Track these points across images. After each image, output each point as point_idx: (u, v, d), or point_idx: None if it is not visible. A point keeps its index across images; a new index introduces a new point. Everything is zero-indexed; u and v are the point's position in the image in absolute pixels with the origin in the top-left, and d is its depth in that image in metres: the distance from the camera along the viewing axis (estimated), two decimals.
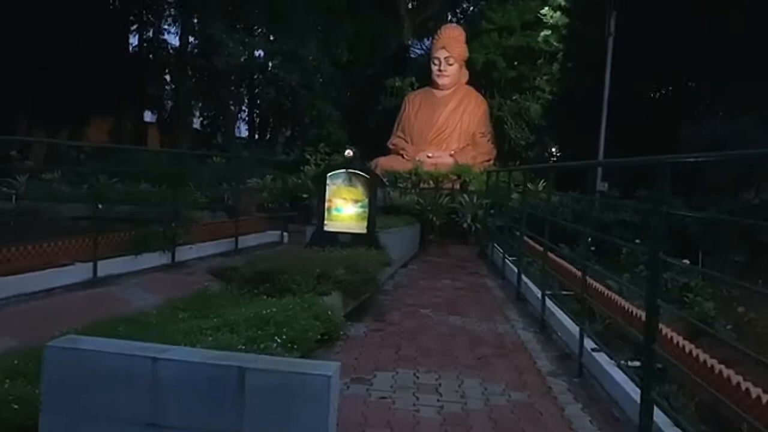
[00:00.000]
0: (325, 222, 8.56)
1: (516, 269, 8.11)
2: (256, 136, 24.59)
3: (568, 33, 13.96)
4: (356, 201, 8.55)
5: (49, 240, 7.03)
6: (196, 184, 13.05)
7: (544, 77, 15.55)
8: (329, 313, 5.12)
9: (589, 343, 4.73)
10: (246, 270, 5.81)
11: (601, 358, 4.50)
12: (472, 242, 11.89)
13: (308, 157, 18.09)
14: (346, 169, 8.56)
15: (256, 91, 22.95)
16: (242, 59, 21.78)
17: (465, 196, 11.94)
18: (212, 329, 4.22)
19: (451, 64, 17.77)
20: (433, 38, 18.49)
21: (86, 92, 18.20)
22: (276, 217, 11.78)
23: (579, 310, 5.85)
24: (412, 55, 24.75)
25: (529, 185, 13.80)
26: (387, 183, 13.88)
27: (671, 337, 4.05)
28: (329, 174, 8.60)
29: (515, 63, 17.86)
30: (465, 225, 11.72)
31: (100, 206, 9.27)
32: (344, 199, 8.57)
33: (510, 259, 9.12)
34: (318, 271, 5.76)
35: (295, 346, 4.21)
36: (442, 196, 12.42)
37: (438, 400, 3.96)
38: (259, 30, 19.69)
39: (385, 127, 18.99)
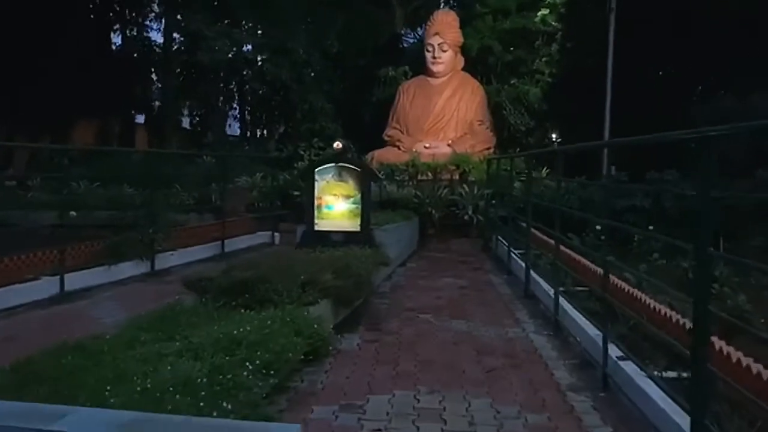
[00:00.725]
0: (316, 221, 7.94)
1: (523, 264, 7.48)
2: (249, 134, 23.94)
3: (566, 11, 13.29)
4: (348, 197, 7.93)
5: (12, 253, 6.41)
6: (182, 186, 12.47)
7: (543, 59, 14.88)
8: (315, 326, 4.51)
9: (614, 350, 4.11)
10: (222, 280, 5.18)
11: (630, 367, 3.87)
12: (474, 235, 11.27)
13: (302, 152, 17.47)
14: (336, 162, 7.94)
15: (246, 87, 22.27)
16: (230, 55, 21.19)
17: (465, 186, 11.31)
18: (174, 354, 3.61)
19: (445, 51, 17.11)
20: (425, 25, 17.80)
21: (70, 94, 17.56)
22: (266, 216, 11.13)
23: (598, 310, 5.25)
24: (405, 45, 24.12)
25: (532, 173, 13.30)
26: (382, 176, 13.23)
27: (720, 349, 3.41)
28: (317, 169, 7.97)
29: (512, 47, 17.19)
30: (466, 217, 11.09)
31: (73, 214, 8.67)
32: (335, 195, 7.95)
33: (516, 252, 8.50)
34: (303, 277, 5.13)
35: (272, 372, 3.59)
36: (440, 188, 11.78)
37: (442, 430, 3.34)
38: (247, 25, 18.97)
39: (380, 119, 18.37)
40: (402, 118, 17.45)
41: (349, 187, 7.90)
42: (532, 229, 7.51)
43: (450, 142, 16.47)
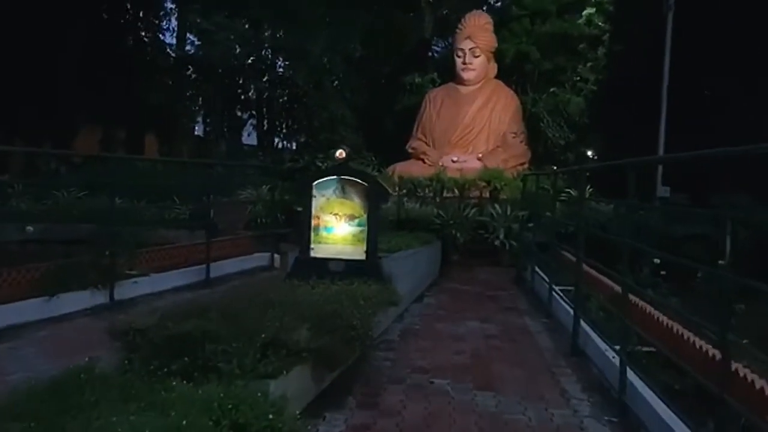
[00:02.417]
0: (312, 246, 6.47)
1: (569, 308, 5.92)
2: (266, 144, 22.61)
3: (616, 10, 11.71)
4: (352, 217, 6.45)
5: None
6: (178, 198, 11.18)
7: (588, 64, 13.28)
8: (271, 416, 3.02)
9: None
10: (156, 334, 3.72)
11: None
12: (506, 263, 9.69)
13: (319, 164, 16.11)
14: (338, 175, 6.47)
15: (265, 95, 21.02)
16: (249, 60, 20.00)
17: (496, 206, 9.74)
18: None
19: (477, 56, 15.66)
20: (456, 28, 16.36)
21: (74, 98, 16.50)
22: (267, 235, 9.70)
23: (686, 390, 3.72)
24: (434, 53, 22.71)
25: (571, 191, 11.69)
26: (401, 192, 11.76)
27: None
28: (315, 182, 6.51)
29: (551, 53, 15.61)
30: (497, 242, 9.52)
31: (30, 229, 7.37)
32: (336, 215, 6.47)
33: (558, 289, 6.92)
34: (265, 336, 3.64)
35: None
36: (468, 206, 10.23)
37: None
38: (266, 27, 17.73)
39: (404, 129, 16.98)
40: (428, 129, 16.01)
41: (354, 205, 6.42)
42: (585, 266, 5.93)
43: (480, 155, 14.99)
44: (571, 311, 5.75)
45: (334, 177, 6.45)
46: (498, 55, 16.07)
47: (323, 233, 6.48)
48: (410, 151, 15.99)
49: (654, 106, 10.92)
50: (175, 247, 8.19)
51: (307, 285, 5.86)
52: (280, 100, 21.83)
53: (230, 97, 19.95)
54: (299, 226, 6.62)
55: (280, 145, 22.62)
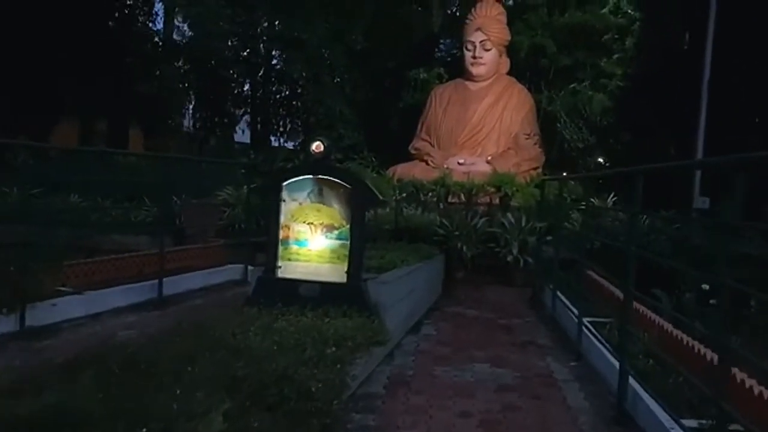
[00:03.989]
0: (279, 263, 5.12)
1: (611, 355, 4.54)
2: (262, 142, 21.25)
3: None
4: (331, 227, 5.10)
5: None
6: (147, 196, 9.86)
7: (615, 56, 11.85)
8: None
9: None
10: None
11: None
12: (520, 282, 8.28)
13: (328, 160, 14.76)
14: (314, 174, 5.12)
15: (260, 92, 19.70)
16: (244, 53, 18.69)
17: (509, 216, 8.35)
18: None
19: (488, 49, 14.27)
20: (465, 18, 14.98)
21: (52, 88, 15.18)
22: (243, 243, 8.32)
23: None
24: (442, 49, 21.31)
25: (593, 200, 10.32)
26: (398, 197, 10.40)
27: None
28: (286, 183, 5.16)
29: (569, 46, 14.23)
30: (509, 258, 8.11)
31: None
32: (311, 224, 5.13)
33: (588, 321, 5.52)
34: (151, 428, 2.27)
35: None
36: (476, 215, 8.83)
37: None
38: (261, 14, 16.39)
39: (408, 128, 15.62)
40: (433, 128, 14.63)
41: (334, 212, 5.07)
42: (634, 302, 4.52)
43: (489, 158, 13.60)
44: (613, 359, 4.37)
45: (309, 176, 5.10)
46: (511, 49, 14.70)
47: (294, 248, 5.13)
48: (413, 151, 14.63)
49: (692, 104, 9.52)
50: (124, 258, 6.82)
51: (269, 314, 4.53)
52: (278, 96, 20.56)
53: (222, 90, 18.65)
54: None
55: (277, 144, 21.28)
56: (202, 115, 18.82)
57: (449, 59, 18.38)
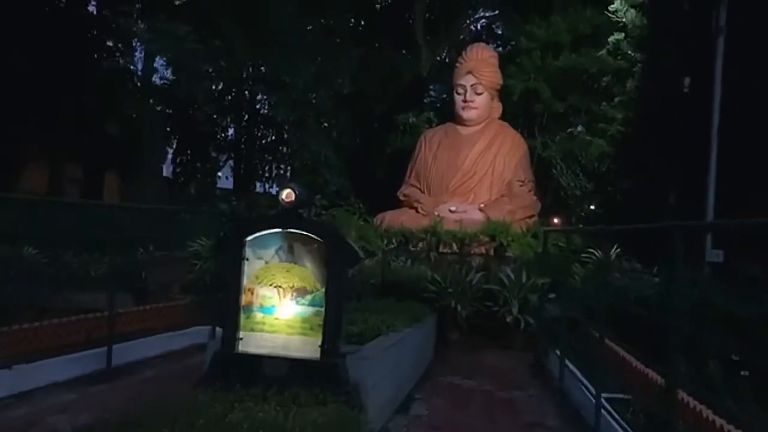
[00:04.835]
0: (240, 334, 4.29)
1: None
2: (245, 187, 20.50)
3: (651, 35, 9.78)
4: (303, 291, 4.29)
5: None
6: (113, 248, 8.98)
7: (616, 99, 11.25)
8: None
9: None
10: None
11: None
12: (520, 345, 7.43)
13: (300, 212, 14.02)
14: (283, 227, 4.33)
15: (244, 138, 19.06)
16: (229, 96, 18.11)
17: (508, 270, 7.55)
18: None
19: (479, 93, 13.71)
20: (456, 62, 14.49)
21: (21, 132, 14.40)
22: (211, 301, 7.45)
23: None
24: (432, 95, 20.88)
25: (595, 252, 9.58)
26: (392, 245, 9.63)
27: None
28: (249, 237, 4.36)
29: (564, 91, 13.71)
30: (509, 318, 7.28)
31: None
32: (279, 287, 4.32)
33: (607, 398, 4.68)
34: None
35: None
36: (470, 269, 8.02)
37: None
38: (243, 56, 15.81)
39: (396, 174, 14.94)
40: (423, 174, 13.95)
41: (306, 274, 4.26)
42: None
43: (482, 205, 12.90)
44: None
45: (277, 230, 4.31)
46: (503, 93, 14.16)
47: (258, 316, 4.31)
48: (402, 198, 13.90)
49: (701, 150, 8.88)
50: (67, 321, 5.93)
51: (224, 401, 3.67)
52: (263, 141, 19.93)
53: (203, 134, 17.98)
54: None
55: (262, 190, 20.54)
56: (182, 159, 18.06)
57: (438, 104, 17.89)
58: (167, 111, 17.78)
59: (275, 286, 4.28)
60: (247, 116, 18.72)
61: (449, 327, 7.48)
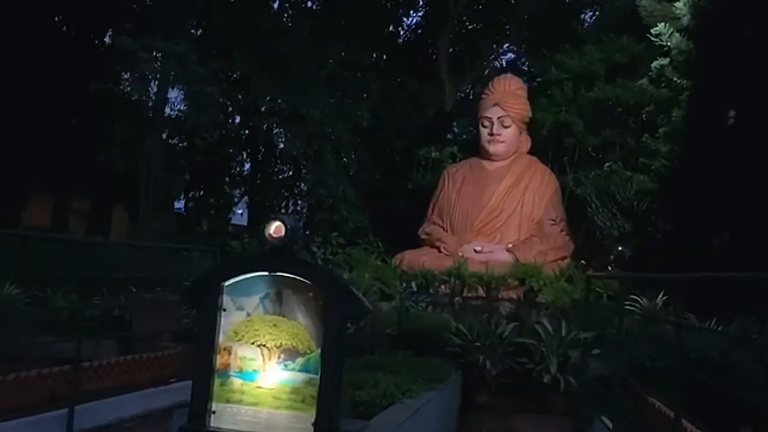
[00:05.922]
0: (212, 407, 3.36)
1: None
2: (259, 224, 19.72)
3: (698, 58, 8.87)
4: (293, 353, 3.35)
5: None
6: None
7: (661, 130, 10.29)
8: None
9: None
10: None
11: None
12: (560, 410, 6.36)
13: (315, 249, 13.20)
14: (270, 269, 3.42)
15: (258, 173, 18.43)
16: (245, 132, 17.55)
17: (545, 322, 6.52)
18: None
19: (507, 126, 12.87)
20: (482, 93, 13.72)
21: (25, 163, 13.86)
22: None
23: None
24: (455, 131, 20.12)
25: (641, 299, 8.55)
26: (408, 289, 8.70)
27: None
28: (227, 282, 3.46)
29: (597, 124, 12.82)
30: (546, 378, 6.25)
31: None
32: (264, 347, 3.38)
33: None
34: None
35: None
36: (501, 320, 7.01)
37: None
38: (258, 88, 15.23)
39: (417, 211, 14.09)
40: (446, 211, 13.05)
41: (298, 330, 3.33)
42: None
43: (510, 245, 11.95)
44: None
45: (263, 274, 3.41)
46: (532, 126, 13.30)
47: (236, 383, 3.38)
48: (423, 236, 12.99)
49: (756, 187, 7.88)
50: (26, 377, 5.04)
51: None
52: (280, 177, 19.26)
53: (217, 168, 17.35)
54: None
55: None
56: (195, 194, 17.39)
57: (464, 136, 17.08)
58: (180, 144, 17.24)
59: (259, 345, 3.34)
60: (263, 150, 18.12)
61: (476, 387, 6.45)
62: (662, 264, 9.58)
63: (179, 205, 17.84)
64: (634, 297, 8.42)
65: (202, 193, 17.35)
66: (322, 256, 12.77)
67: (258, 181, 17.90)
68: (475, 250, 11.72)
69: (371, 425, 3.61)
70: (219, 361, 3.38)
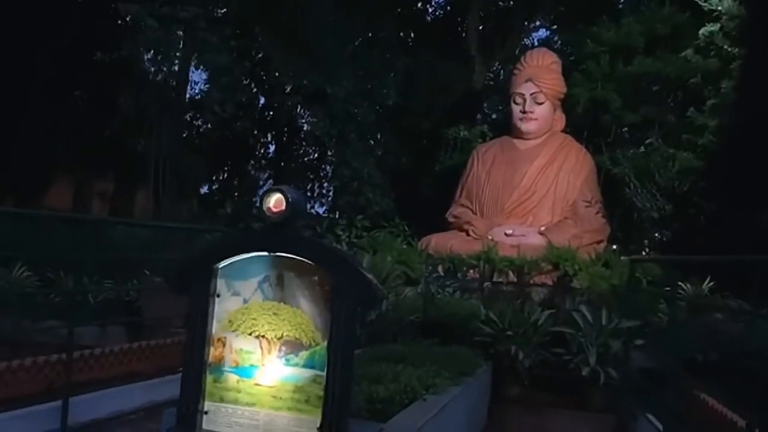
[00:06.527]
0: (204, 407, 2.93)
1: None
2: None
3: (752, 24, 8.12)
4: (296, 346, 2.89)
5: None
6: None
7: (709, 102, 9.56)
8: None
9: None
10: None
11: None
12: (599, 405, 5.83)
13: (339, 233, 12.82)
14: (270, 249, 2.97)
15: (284, 154, 18.04)
16: (269, 114, 17.18)
17: (584, 310, 5.97)
18: None
19: (540, 103, 12.26)
20: (514, 69, 13.09)
21: (46, 145, 13.65)
22: None
23: None
24: (485, 109, 19.45)
25: (685, 285, 7.94)
26: (433, 274, 8.22)
27: None
28: (221, 264, 3.02)
29: (636, 100, 12.11)
30: (585, 371, 5.72)
31: None
32: (263, 338, 2.94)
33: None
34: None
35: None
36: (534, 307, 6.48)
37: None
38: (281, 66, 14.78)
39: (444, 193, 13.60)
40: (475, 193, 12.52)
41: (301, 318, 2.88)
42: None
43: (542, 228, 11.38)
44: None
45: (262, 254, 2.97)
46: (567, 103, 12.64)
47: (231, 379, 2.94)
48: (451, 219, 12.49)
49: None
50: (21, 366, 4.69)
51: None
52: (305, 159, 18.89)
53: (242, 150, 17.02)
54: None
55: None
56: (219, 177, 17.10)
57: (494, 116, 16.44)
58: (205, 126, 16.94)
59: (257, 336, 2.90)
60: (287, 132, 17.74)
61: (507, 380, 5.96)
62: (704, 248, 8.94)
63: (205, 189, 17.59)
64: (678, 283, 7.82)
65: (226, 175, 17.02)
66: (346, 240, 12.39)
67: (282, 164, 17.51)
68: (505, 234, 11.19)
69: (387, 428, 3.15)
70: (212, 354, 2.95)
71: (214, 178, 17.21)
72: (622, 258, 9.60)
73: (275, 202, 2.91)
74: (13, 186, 13.50)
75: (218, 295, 2.97)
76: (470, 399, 4.76)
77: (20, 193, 13.56)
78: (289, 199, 2.89)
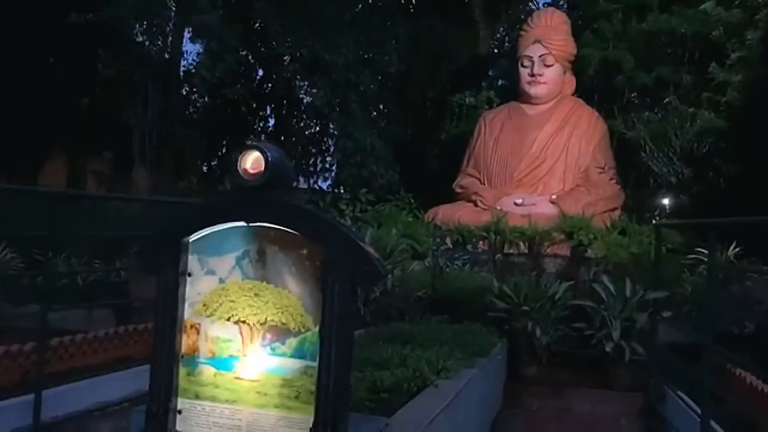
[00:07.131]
0: (177, 405, 2.48)
1: None
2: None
3: None
4: (283, 333, 2.42)
5: None
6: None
7: (735, 55, 9.00)
8: None
9: None
10: None
11: None
12: (624, 383, 5.39)
13: (343, 207, 12.39)
14: (248, 218, 2.50)
15: (283, 128, 17.52)
16: (269, 84, 16.62)
17: (606, 281, 5.50)
18: None
19: (549, 65, 11.72)
20: (521, 29, 12.50)
21: (44, 121, 13.22)
22: None
23: None
24: (491, 75, 18.83)
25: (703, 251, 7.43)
26: (442, 247, 7.78)
27: None
28: (192, 238, 2.56)
29: (651, 60, 11.53)
30: (608, 347, 5.27)
31: None
32: (243, 323, 2.48)
33: None
34: None
35: None
36: (552, 282, 6.02)
37: None
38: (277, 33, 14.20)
39: (451, 163, 13.15)
40: (482, 162, 12.04)
41: (288, 300, 2.41)
42: None
43: (554, 197, 10.92)
44: None
45: (240, 224, 2.50)
46: (577, 65, 12.07)
47: (208, 372, 2.49)
48: (458, 190, 12.04)
49: None
50: None
51: None
52: (306, 132, 18.38)
53: (240, 124, 16.52)
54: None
55: (306, 185, 18.94)
56: (218, 151, 16.66)
57: (500, 82, 15.86)
58: (201, 99, 16.46)
59: (236, 322, 2.45)
60: (286, 104, 17.21)
61: (524, 359, 5.52)
62: (723, 213, 8.45)
63: (205, 168, 17.17)
64: (700, 249, 7.34)
65: (225, 151, 16.57)
66: (350, 214, 11.96)
67: (282, 138, 17.01)
68: (515, 203, 10.77)
69: (393, 423, 2.72)
70: (184, 343, 2.51)
71: (215, 154, 16.77)
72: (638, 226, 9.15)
73: (253, 162, 2.43)
74: (12, 165, 13.11)
75: (189, 274, 2.51)
76: (485, 382, 4.33)
77: (21, 171, 13.18)
78: (269, 158, 2.41)
